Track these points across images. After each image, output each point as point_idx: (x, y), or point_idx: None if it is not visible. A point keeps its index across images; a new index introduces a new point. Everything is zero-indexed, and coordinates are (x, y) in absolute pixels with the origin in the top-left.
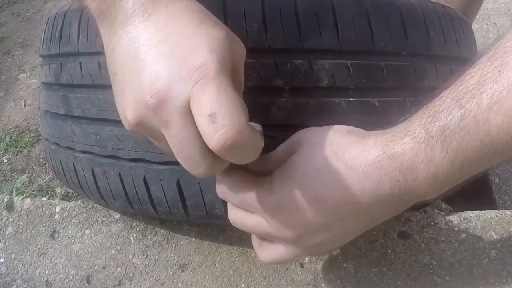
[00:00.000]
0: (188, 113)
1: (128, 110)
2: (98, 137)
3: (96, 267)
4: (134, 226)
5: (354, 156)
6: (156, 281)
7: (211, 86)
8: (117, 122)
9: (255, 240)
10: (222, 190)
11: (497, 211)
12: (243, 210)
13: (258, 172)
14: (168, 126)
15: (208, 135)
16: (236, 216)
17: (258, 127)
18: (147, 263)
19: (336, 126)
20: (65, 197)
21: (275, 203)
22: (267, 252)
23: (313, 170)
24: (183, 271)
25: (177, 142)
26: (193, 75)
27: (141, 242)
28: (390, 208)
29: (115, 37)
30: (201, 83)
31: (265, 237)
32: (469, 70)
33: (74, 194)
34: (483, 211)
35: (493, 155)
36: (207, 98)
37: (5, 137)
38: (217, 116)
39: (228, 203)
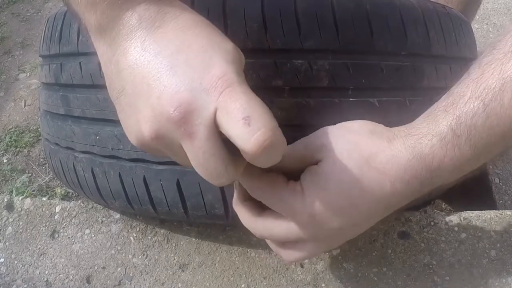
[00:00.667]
0: (213, 124)
1: (145, 124)
2: (98, 137)
3: (96, 267)
4: (134, 226)
5: (385, 161)
6: (156, 281)
7: (238, 93)
8: (117, 122)
9: (275, 245)
10: (242, 197)
11: (497, 211)
12: (272, 221)
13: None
14: (193, 139)
15: (243, 138)
16: (263, 225)
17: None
18: (147, 263)
19: (356, 126)
20: (65, 197)
21: (309, 214)
22: (291, 252)
23: (348, 182)
24: (183, 271)
25: (201, 154)
26: (217, 85)
27: (141, 242)
28: (409, 198)
29: (120, 51)
30: (227, 91)
31: (294, 241)
32: (487, 66)
33: (74, 194)
34: (483, 211)
35: (510, 142)
36: (238, 104)
37: (5, 137)
38: (251, 119)
39: (250, 218)
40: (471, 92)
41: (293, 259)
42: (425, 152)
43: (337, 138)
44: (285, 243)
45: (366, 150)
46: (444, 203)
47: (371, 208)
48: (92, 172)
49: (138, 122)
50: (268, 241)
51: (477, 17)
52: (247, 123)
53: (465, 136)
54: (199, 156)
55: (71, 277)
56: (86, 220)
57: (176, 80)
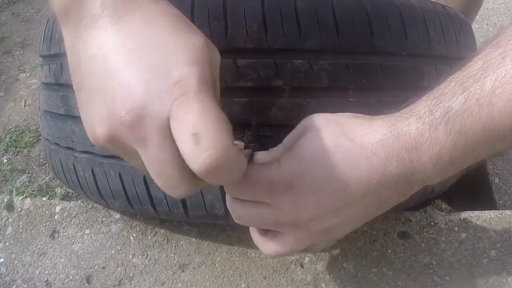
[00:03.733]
0: (167, 131)
1: (99, 125)
2: None
3: (96, 267)
4: (134, 226)
5: (362, 135)
6: (156, 281)
7: (193, 102)
8: None
9: (256, 235)
10: (233, 187)
11: (497, 211)
12: (249, 202)
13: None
14: (145, 145)
15: (191, 156)
16: (241, 209)
17: (241, 145)
18: (147, 263)
19: (342, 113)
20: (65, 197)
21: (285, 182)
22: (272, 245)
23: (322, 149)
24: (183, 271)
25: (155, 162)
26: (172, 90)
27: (141, 242)
28: (396, 191)
29: (81, 41)
30: (182, 99)
31: (272, 227)
32: (474, 56)
33: (74, 194)
34: (483, 211)
35: (496, 140)
36: (190, 117)
37: (5, 137)
38: (200, 137)
39: (229, 199)
40: (454, 77)
41: (273, 253)
42: (402, 129)
43: (320, 117)
44: (266, 236)
45: (345, 124)
46: (444, 203)
47: (349, 188)
48: (92, 172)
49: (93, 121)
50: (251, 231)
51: (477, 17)
52: (196, 140)
53: (441, 117)
54: (153, 164)
55: (71, 277)
56: (86, 220)
57: (132, 79)
